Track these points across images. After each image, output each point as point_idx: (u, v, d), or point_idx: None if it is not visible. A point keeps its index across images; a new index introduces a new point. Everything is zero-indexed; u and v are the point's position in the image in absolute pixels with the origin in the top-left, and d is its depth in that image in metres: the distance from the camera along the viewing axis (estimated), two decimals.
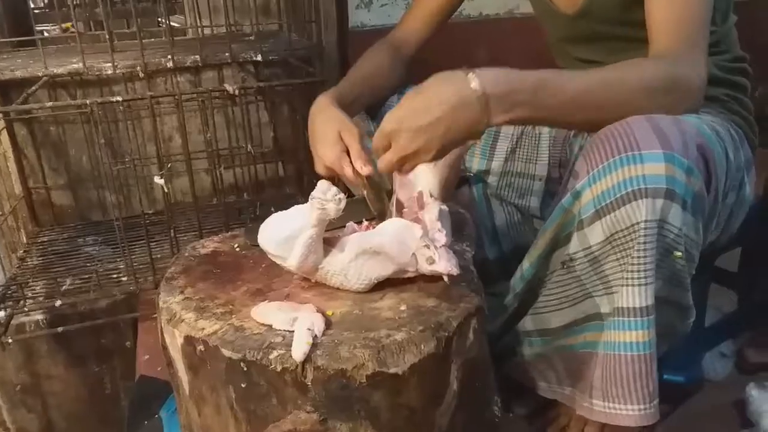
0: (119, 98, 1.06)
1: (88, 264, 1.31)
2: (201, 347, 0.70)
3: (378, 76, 1.10)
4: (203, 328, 0.71)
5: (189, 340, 0.71)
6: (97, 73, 1.07)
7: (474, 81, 0.72)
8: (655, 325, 0.73)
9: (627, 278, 0.72)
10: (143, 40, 1.41)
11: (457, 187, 1.01)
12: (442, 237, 0.72)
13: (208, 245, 0.92)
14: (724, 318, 1.15)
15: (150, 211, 1.51)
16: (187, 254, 0.90)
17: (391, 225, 0.75)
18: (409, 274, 0.75)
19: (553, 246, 0.81)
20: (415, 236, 0.72)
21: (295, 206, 0.73)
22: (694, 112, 0.82)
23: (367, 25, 1.62)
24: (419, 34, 1.15)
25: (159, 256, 1.28)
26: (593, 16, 0.96)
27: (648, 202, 0.69)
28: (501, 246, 1.09)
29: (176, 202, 1.55)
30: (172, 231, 1.22)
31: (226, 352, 0.67)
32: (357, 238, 0.74)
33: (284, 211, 0.76)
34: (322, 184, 0.69)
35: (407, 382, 0.66)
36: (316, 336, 0.67)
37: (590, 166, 0.74)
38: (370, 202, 0.87)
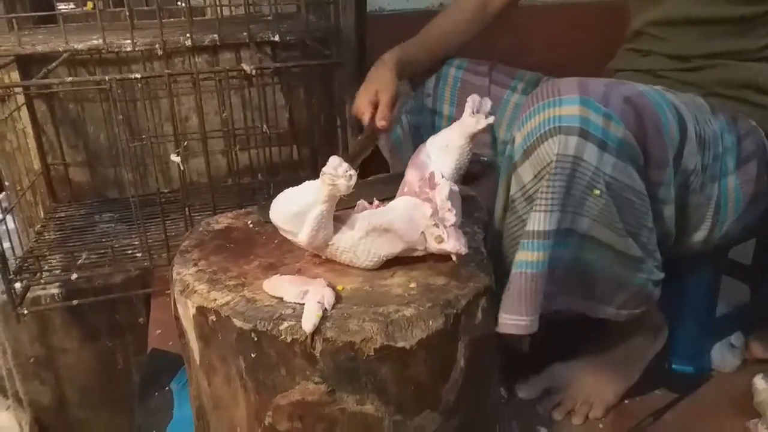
0: (137, 75, 1.07)
1: (103, 240, 1.33)
2: (213, 317, 0.71)
3: (450, 33, 1.24)
4: (215, 299, 0.72)
5: (201, 311, 0.73)
6: (117, 50, 1.08)
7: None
8: (550, 249, 0.79)
9: (536, 204, 0.79)
10: (162, 20, 1.43)
11: (474, 178, 1.03)
12: (451, 216, 0.72)
13: (222, 221, 0.93)
14: (735, 309, 1.14)
15: (166, 190, 1.53)
16: (201, 229, 0.91)
17: (402, 203, 0.76)
18: (418, 253, 0.76)
19: (506, 193, 0.86)
20: (425, 215, 0.72)
21: (306, 182, 0.74)
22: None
23: (386, 10, 1.62)
24: None
25: (173, 233, 1.30)
26: None
27: (561, 138, 0.77)
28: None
29: (191, 182, 1.57)
30: (187, 209, 1.23)
31: (238, 323, 0.69)
32: (367, 215, 0.74)
33: (295, 187, 0.76)
34: (333, 160, 0.69)
35: (415, 357, 0.67)
36: (326, 309, 0.68)
37: (522, 114, 0.82)
38: (358, 145, 1.09)
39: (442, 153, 0.83)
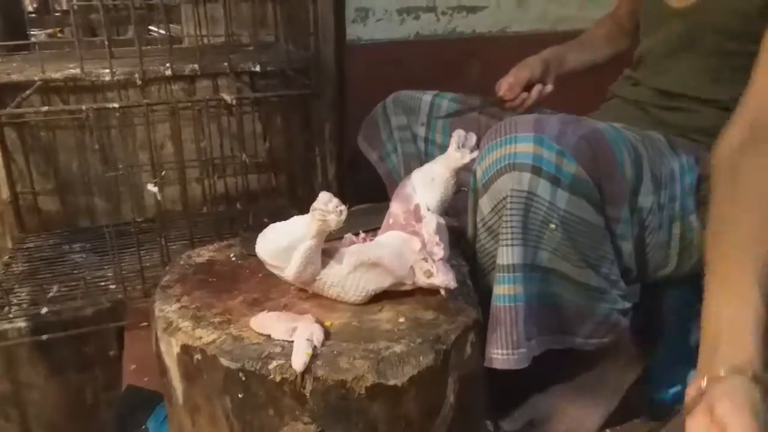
0: (115, 105, 1.05)
1: (75, 271, 1.29)
2: (198, 356, 0.70)
3: (594, 44, 1.31)
4: (201, 337, 0.70)
5: (186, 349, 0.71)
6: (94, 78, 1.07)
7: None
8: (522, 282, 0.81)
9: (501, 239, 0.82)
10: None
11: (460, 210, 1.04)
12: (440, 251, 0.72)
13: (204, 254, 0.92)
14: None
15: (139, 219, 1.50)
16: (182, 262, 0.89)
17: (390, 237, 0.76)
18: (407, 287, 0.76)
19: (474, 225, 0.89)
20: (413, 249, 0.72)
21: (295, 216, 0.74)
22: None
23: (363, 39, 1.63)
24: (627, 7, 1.27)
25: (148, 264, 1.27)
26: (707, 11, 0.97)
27: (514, 175, 0.80)
28: None
29: (167, 210, 1.54)
30: (163, 239, 1.21)
31: (225, 362, 0.67)
32: (356, 250, 0.74)
33: (283, 221, 0.76)
34: (324, 196, 0.69)
35: (406, 394, 0.66)
36: (315, 347, 0.67)
37: (481, 150, 0.85)
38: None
39: (427, 186, 0.84)
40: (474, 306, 0.76)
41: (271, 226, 0.76)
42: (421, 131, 1.22)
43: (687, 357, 1.06)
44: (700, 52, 1.00)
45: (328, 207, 0.67)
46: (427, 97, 1.23)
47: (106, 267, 1.29)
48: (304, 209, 1.67)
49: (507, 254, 0.81)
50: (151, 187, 1.13)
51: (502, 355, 0.80)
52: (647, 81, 1.08)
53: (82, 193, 1.50)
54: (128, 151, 1.42)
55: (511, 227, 0.80)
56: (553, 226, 0.81)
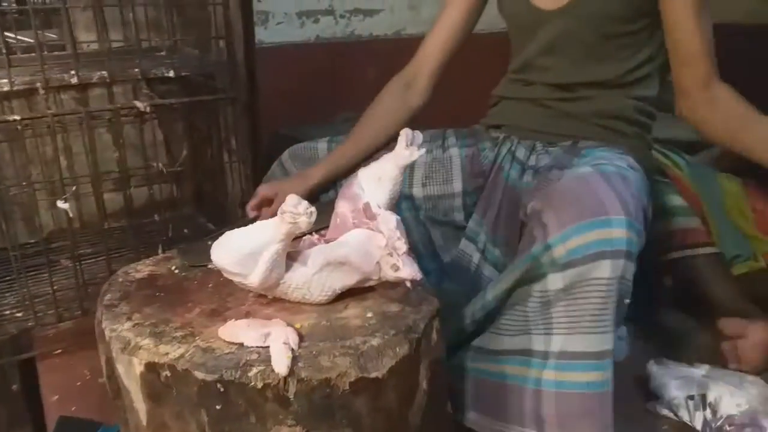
0: (16, 117, 0.97)
1: None
2: (167, 373, 0.67)
3: (379, 121, 1.18)
4: (167, 353, 0.68)
5: (151, 367, 0.68)
6: None
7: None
8: (611, 366, 0.82)
9: (589, 326, 0.81)
10: (24, 55, 1.30)
11: None
12: (402, 245, 0.75)
13: (142, 269, 0.88)
14: None
15: (32, 240, 1.38)
16: (120, 279, 0.85)
17: (353, 236, 0.77)
18: (371, 283, 0.77)
19: (516, 285, 0.88)
20: (379, 245, 0.74)
21: (259, 222, 0.73)
22: None
23: (264, 42, 1.62)
24: (435, 62, 1.19)
25: (56, 287, 1.18)
26: (584, 4, 1.03)
27: (612, 263, 0.80)
28: (440, 258, 1.14)
29: (62, 229, 1.44)
30: (76, 259, 1.13)
31: (199, 375, 0.65)
32: (322, 250, 0.75)
33: (242, 227, 0.75)
34: (292, 198, 0.69)
35: (386, 386, 0.68)
36: (293, 349, 0.67)
37: (563, 223, 0.83)
38: None
39: (374, 184, 0.85)
40: (433, 294, 0.80)
41: (227, 233, 0.75)
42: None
43: None
44: (583, 42, 1.06)
45: (298, 209, 0.67)
46: (322, 144, 1.20)
47: (6, 294, 1.18)
48: (213, 218, 1.63)
49: (597, 341, 0.80)
50: (61, 204, 1.05)
51: None
52: (539, 79, 1.12)
53: None
54: (15, 167, 1.31)
55: (604, 314, 0.80)
56: (628, 300, 0.83)
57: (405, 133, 0.84)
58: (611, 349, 0.81)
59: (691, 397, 1.00)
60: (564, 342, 0.82)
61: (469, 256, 1.10)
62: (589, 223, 0.81)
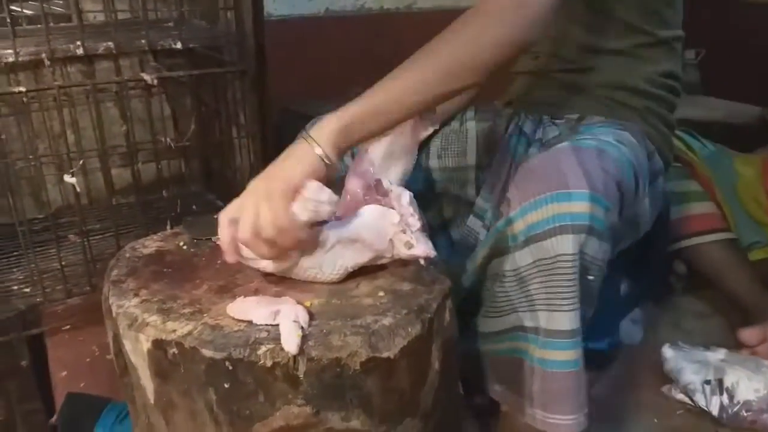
0: (22, 89, 0.95)
1: None
2: (174, 350, 0.66)
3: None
4: (174, 330, 0.66)
5: (158, 344, 0.67)
6: None
7: (317, 148, 0.74)
8: (580, 345, 0.80)
9: (557, 304, 0.79)
10: (29, 26, 1.28)
11: None
12: (416, 221, 0.73)
13: (150, 245, 0.86)
14: (633, 289, 1.26)
15: (40, 216, 1.37)
16: (128, 255, 0.83)
17: (366, 212, 0.75)
18: (384, 261, 0.75)
19: (487, 260, 0.86)
20: (392, 222, 0.72)
21: None
22: (539, 29, 0.82)
23: (273, 15, 1.58)
24: None
25: (64, 262, 1.17)
26: None
27: (572, 238, 0.77)
28: (450, 236, 1.12)
29: (68, 204, 1.43)
30: (85, 234, 1.11)
31: (207, 352, 0.64)
32: (333, 229, 0.73)
33: None
34: (312, 185, 0.67)
35: (398, 366, 0.67)
36: (303, 327, 0.65)
37: (522, 197, 0.80)
38: None
39: (386, 160, 0.83)
40: (445, 274, 0.78)
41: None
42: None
43: (617, 307, 1.15)
44: (590, 5, 1.01)
45: (320, 197, 0.66)
46: None
47: (14, 270, 1.18)
48: (221, 194, 1.61)
49: (566, 319, 0.78)
50: (68, 179, 1.03)
51: (571, 420, 0.80)
52: (546, 49, 1.08)
53: None
54: (23, 141, 1.29)
55: (569, 291, 0.77)
56: (591, 277, 0.80)
57: None
58: (579, 327, 0.80)
59: (708, 382, 0.98)
60: (547, 319, 0.81)
61: (476, 233, 1.08)
62: (549, 196, 0.78)
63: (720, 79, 1.97)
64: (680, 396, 1.02)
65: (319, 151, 0.73)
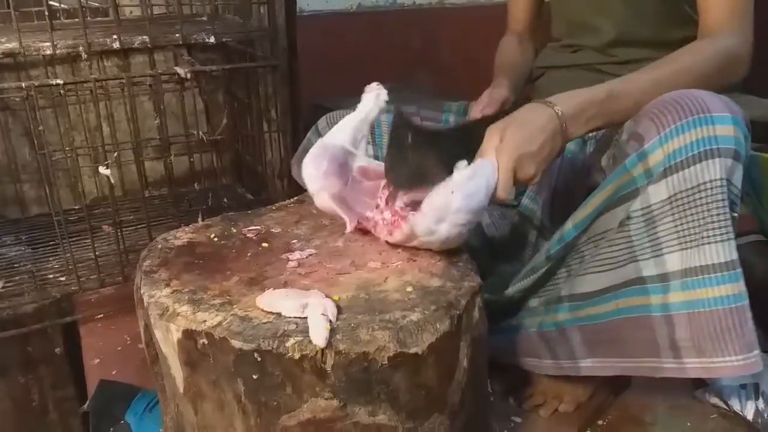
0: (59, 81, 0.96)
1: (15, 265, 1.19)
2: (204, 340, 0.66)
3: (520, 66, 1.19)
4: (204, 321, 0.67)
5: (188, 334, 0.67)
6: (35, 53, 0.98)
7: (557, 108, 0.80)
8: (743, 278, 0.75)
9: (705, 236, 0.74)
10: (67, 20, 1.31)
11: None
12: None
13: (182, 236, 0.87)
14: None
15: (76, 207, 1.40)
16: (160, 246, 0.84)
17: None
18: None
19: (605, 207, 0.82)
20: None
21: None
22: (740, 80, 0.92)
23: (306, 11, 1.59)
24: (525, 19, 1.24)
25: (99, 253, 1.19)
26: None
27: (721, 162, 0.73)
28: (486, 235, 1.10)
29: (104, 196, 1.45)
30: (118, 225, 1.13)
31: (237, 343, 0.64)
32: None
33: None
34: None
35: (425, 362, 0.66)
36: (331, 321, 0.65)
37: (661, 127, 0.76)
38: None
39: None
40: (475, 270, 0.77)
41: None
42: (370, 150, 1.13)
43: None
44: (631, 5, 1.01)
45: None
46: None
47: (50, 259, 1.20)
48: (252, 188, 1.62)
49: (723, 250, 0.74)
50: (103, 170, 1.05)
51: (739, 362, 0.75)
52: (589, 42, 1.07)
53: (9, 182, 1.38)
54: (60, 133, 1.32)
55: (723, 219, 0.73)
56: (735, 214, 0.76)
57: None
58: (738, 258, 0.74)
59: (744, 386, 0.95)
60: (684, 258, 0.75)
61: (524, 235, 1.06)
62: (691, 121, 0.74)
63: (760, 78, 1.91)
64: (714, 400, 0.99)
65: (558, 111, 0.79)
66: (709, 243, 0.74)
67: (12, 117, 1.35)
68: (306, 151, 1.15)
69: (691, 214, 0.75)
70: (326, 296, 0.69)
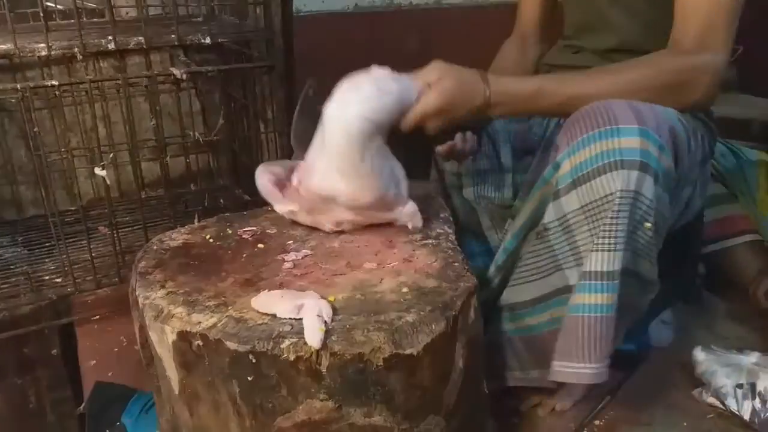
0: (55, 82, 0.96)
1: (11, 266, 1.19)
2: (198, 342, 0.66)
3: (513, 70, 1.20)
4: (199, 322, 0.67)
5: (183, 336, 0.67)
6: (30, 54, 0.97)
7: (488, 90, 0.83)
8: (618, 290, 0.77)
9: (597, 243, 0.76)
10: (63, 21, 1.30)
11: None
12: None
13: (177, 237, 0.87)
14: (663, 289, 1.23)
15: (72, 208, 1.40)
16: (155, 247, 0.84)
17: None
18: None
19: (533, 218, 0.83)
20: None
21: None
22: (709, 100, 0.88)
23: (302, 11, 1.59)
24: (535, 18, 1.22)
25: (95, 254, 1.18)
26: None
27: (623, 174, 0.74)
28: (488, 241, 1.10)
29: (99, 197, 1.45)
30: (113, 226, 1.13)
31: (231, 345, 0.64)
32: None
33: None
34: None
35: (421, 363, 0.66)
36: (326, 322, 0.65)
37: (570, 139, 0.78)
38: None
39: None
40: (470, 271, 0.77)
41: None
42: None
43: (647, 310, 1.12)
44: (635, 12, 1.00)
45: None
46: None
47: (46, 260, 1.20)
48: (249, 189, 1.62)
49: (606, 260, 0.75)
50: (99, 171, 1.05)
51: (586, 370, 0.77)
52: (588, 45, 1.07)
53: (5, 183, 1.38)
54: (56, 134, 1.31)
55: (616, 230, 0.74)
56: (648, 225, 0.76)
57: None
58: (619, 269, 0.76)
59: (740, 386, 0.95)
60: (585, 262, 0.77)
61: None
62: (596, 133, 0.76)
63: (757, 77, 1.92)
64: (711, 400, 0.99)
65: (487, 92, 0.82)
66: (595, 251, 0.76)
67: (8, 118, 1.35)
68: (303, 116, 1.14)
69: (599, 225, 0.76)
70: (321, 297, 0.69)
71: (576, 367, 0.78)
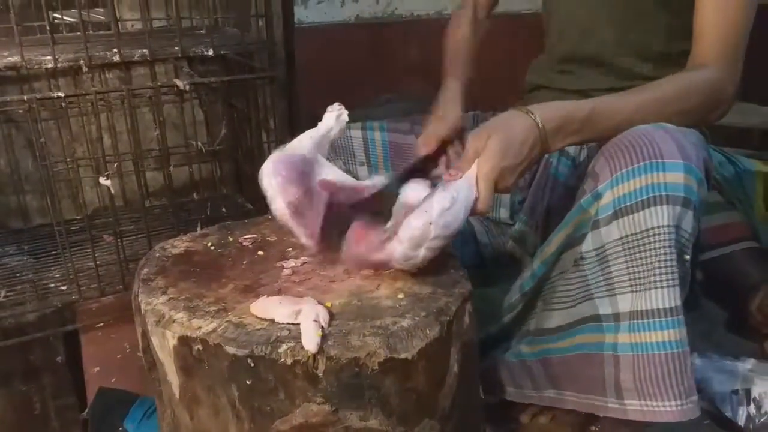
0: (61, 94, 0.99)
1: (17, 274, 1.21)
2: (198, 347, 0.68)
3: (473, 50, 1.19)
4: (199, 327, 0.68)
5: (184, 341, 0.69)
6: (36, 66, 1.00)
7: (537, 119, 0.81)
8: (685, 324, 0.76)
9: (651, 281, 0.75)
10: (69, 34, 1.33)
11: None
12: None
13: (179, 245, 0.89)
14: None
15: (77, 217, 1.42)
16: (157, 255, 0.86)
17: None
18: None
19: (566, 244, 0.83)
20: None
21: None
22: (724, 115, 0.91)
23: (305, 22, 1.61)
24: None
25: (99, 262, 1.21)
26: None
27: (668, 209, 0.74)
28: (483, 256, 1.11)
29: (103, 206, 1.47)
30: (118, 235, 1.15)
31: (231, 349, 0.66)
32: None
33: None
34: None
35: (415, 367, 0.68)
36: (323, 327, 0.67)
37: (613, 169, 0.78)
38: None
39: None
40: (465, 278, 0.78)
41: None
42: (362, 171, 1.14)
43: None
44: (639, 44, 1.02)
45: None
46: (356, 132, 1.15)
47: (51, 268, 1.22)
48: (251, 198, 1.64)
49: (667, 296, 0.75)
50: (104, 181, 1.07)
51: (677, 407, 0.76)
52: (594, 73, 1.07)
53: (11, 192, 1.40)
54: (62, 144, 1.34)
55: (668, 266, 0.74)
56: (687, 257, 0.77)
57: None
58: (681, 305, 0.75)
59: (735, 392, 0.96)
60: (633, 300, 0.77)
61: (519, 260, 1.05)
62: (641, 166, 0.75)
63: (757, 85, 1.93)
64: (707, 406, 1.00)
65: (538, 120, 0.80)
66: (654, 288, 0.75)
67: (15, 129, 1.38)
68: None
69: (641, 258, 0.76)
70: (319, 303, 0.71)
71: (661, 405, 0.77)
